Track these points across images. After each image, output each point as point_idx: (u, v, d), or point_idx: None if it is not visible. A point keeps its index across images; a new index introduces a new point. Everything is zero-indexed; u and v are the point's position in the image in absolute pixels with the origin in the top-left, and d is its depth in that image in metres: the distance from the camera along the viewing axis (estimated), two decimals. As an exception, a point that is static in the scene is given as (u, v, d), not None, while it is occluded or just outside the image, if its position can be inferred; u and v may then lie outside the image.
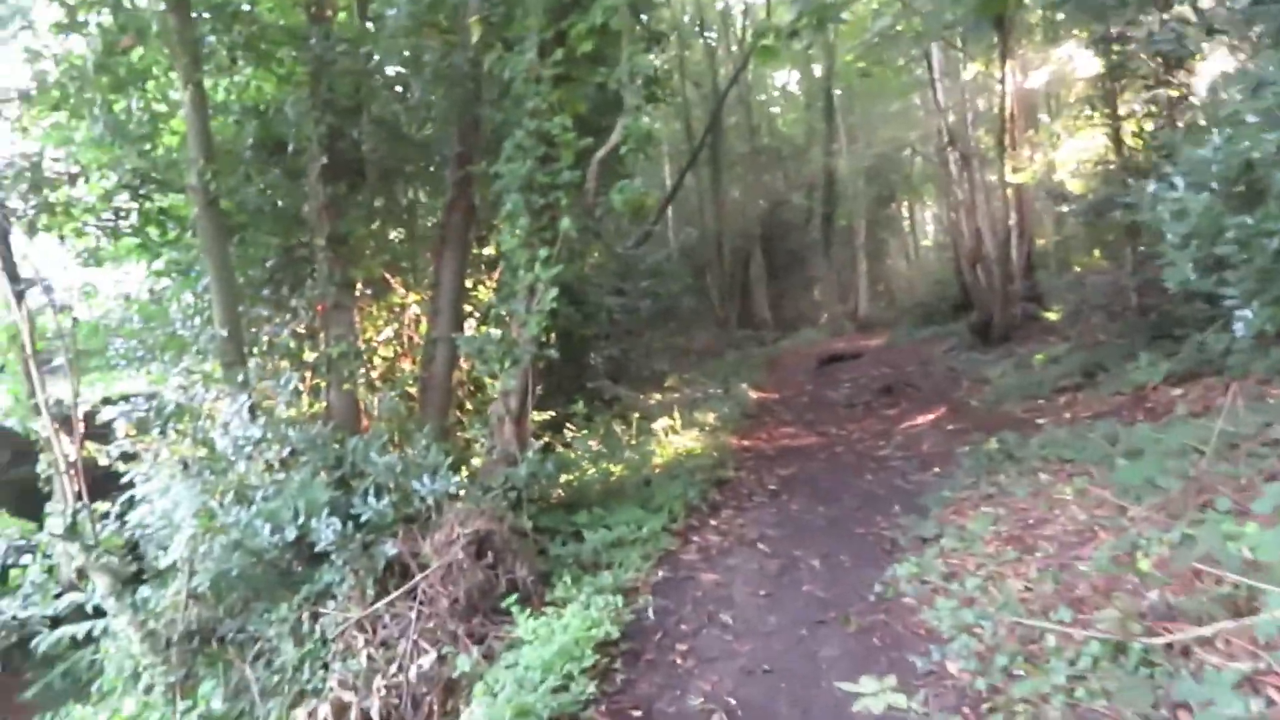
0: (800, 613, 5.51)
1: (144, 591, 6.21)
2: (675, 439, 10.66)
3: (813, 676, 4.65)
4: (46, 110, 7.34)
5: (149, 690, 5.59)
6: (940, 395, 12.92)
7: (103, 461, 7.54)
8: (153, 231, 7.90)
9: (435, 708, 4.94)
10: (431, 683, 5.01)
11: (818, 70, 30.36)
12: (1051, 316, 15.22)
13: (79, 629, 5.97)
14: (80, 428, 7.10)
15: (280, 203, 8.07)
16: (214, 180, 6.92)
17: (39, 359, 7.03)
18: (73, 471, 6.32)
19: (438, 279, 8.23)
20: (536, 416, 10.01)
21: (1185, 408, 7.13)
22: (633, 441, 10.21)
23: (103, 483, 7.18)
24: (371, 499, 6.38)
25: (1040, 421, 8.84)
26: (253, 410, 6.88)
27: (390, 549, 6.08)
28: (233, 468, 6.60)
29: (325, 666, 5.67)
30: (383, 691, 4.95)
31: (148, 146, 7.70)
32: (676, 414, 11.58)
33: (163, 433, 7.19)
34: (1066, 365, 10.94)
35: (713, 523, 7.62)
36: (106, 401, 7.49)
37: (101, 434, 7.62)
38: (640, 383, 15.47)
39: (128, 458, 7.53)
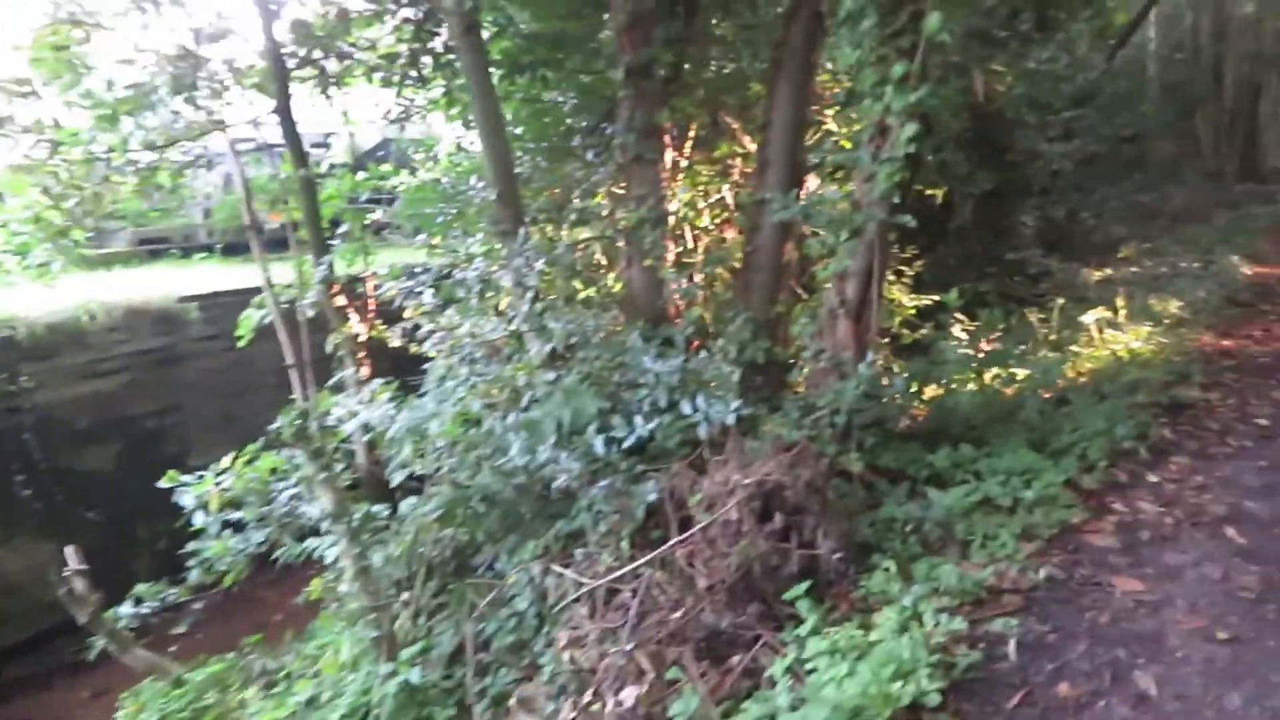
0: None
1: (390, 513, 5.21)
2: (1115, 335, 7.41)
3: None
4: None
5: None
6: None
7: (393, 344, 6.82)
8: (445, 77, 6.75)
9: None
10: (635, 730, 3.22)
11: None
12: None
13: (313, 546, 5.13)
14: (360, 305, 6.36)
15: (577, 30, 6.43)
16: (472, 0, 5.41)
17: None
18: (310, 360, 5.43)
19: (768, 119, 6.06)
20: (915, 302, 7.56)
21: None
22: (1051, 338, 7.18)
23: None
24: (639, 419, 4.70)
25: None
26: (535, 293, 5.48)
27: (651, 493, 4.37)
28: (491, 361, 5.32)
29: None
30: (570, 728, 3.28)
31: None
32: (1121, 299, 8.16)
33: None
34: None
35: (1152, 479, 4.68)
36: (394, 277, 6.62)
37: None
38: (1089, 251, 12.08)
39: (414, 343, 6.71)
